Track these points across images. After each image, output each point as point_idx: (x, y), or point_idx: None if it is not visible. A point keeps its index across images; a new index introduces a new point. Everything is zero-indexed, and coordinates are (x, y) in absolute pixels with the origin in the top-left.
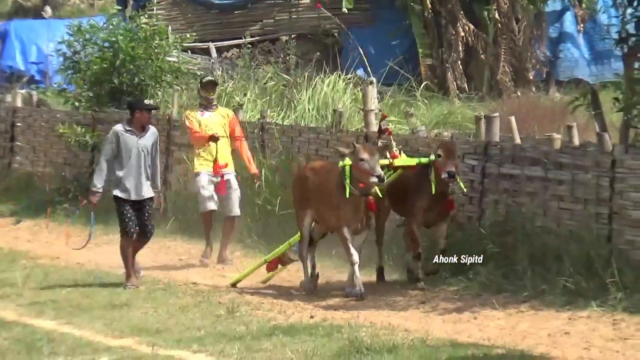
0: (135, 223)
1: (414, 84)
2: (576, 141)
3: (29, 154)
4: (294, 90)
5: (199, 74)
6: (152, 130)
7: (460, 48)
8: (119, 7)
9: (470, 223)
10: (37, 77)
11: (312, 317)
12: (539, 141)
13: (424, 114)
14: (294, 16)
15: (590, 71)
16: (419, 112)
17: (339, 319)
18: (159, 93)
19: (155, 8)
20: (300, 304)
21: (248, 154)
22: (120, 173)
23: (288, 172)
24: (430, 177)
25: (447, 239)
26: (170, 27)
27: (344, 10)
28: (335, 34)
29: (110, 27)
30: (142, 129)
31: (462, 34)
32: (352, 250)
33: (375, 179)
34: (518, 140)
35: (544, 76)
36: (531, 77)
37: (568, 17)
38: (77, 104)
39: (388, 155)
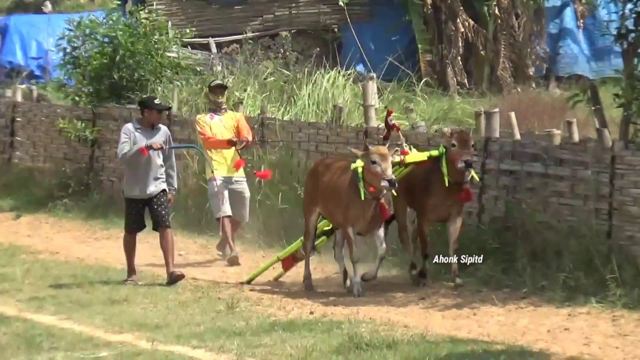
0: (138, 220)
1: (414, 80)
2: (576, 137)
3: (29, 149)
4: (294, 86)
5: (198, 69)
6: (164, 129)
7: (460, 44)
8: (119, 2)
9: (470, 219)
10: (37, 72)
11: (311, 313)
12: (538, 137)
13: (423, 109)
14: (294, 12)
15: (590, 67)
16: (418, 108)
17: (338, 314)
18: (159, 88)
19: (155, 3)
20: (300, 299)
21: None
22: (131, 171)
23: (287, 168)
24: (442, 169)
25: (459, 240)
26: (170, 23)
27: (341, 4)
28: (335, 30)
29: (110, 22)
30: (152, 128)
31: (462, 29)
32: (354, 248)
33: (386, 183)
34: (518, 136)
35: (544, 72)
36: (531, 73)
37: (568, 13)
38: (77, 99)
39: (399, 153)
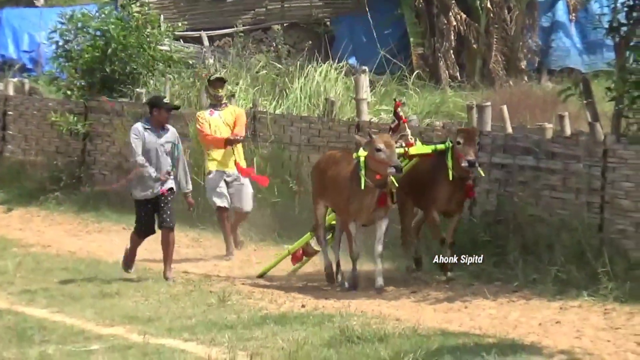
0: (148, 226)
1: (406, 73)
2: (568, 131)
3: (20, 143)
4: (286, 79)
5: (191, 62)
6: (172, 130)
7: (452, 37)
8: None
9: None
10: (29, 66)
11: (303, 306)
12: (530, 130)
13: (416, 103)
14: (286, 5)
15: (582, 60)
16: (410, 101)
17: (330, 308)
18: (151, 82)
19: None
20: (292, 293)
21: (238, 156)
22: (139, 173)
23: (279, 161)
24: (447, 163)
25: (455, 232)
26: (162, 16)
27: None
28: (327, 23)
29: (102, 15)
30: (161, 128)
31: (454, 23)
32: (354, 245)
33: (392, 170)
34: (510, 130)
35: (536, 65)
36: (523, 67)
37: (560, 6)
38: (69, 92)
39: (403, 144)
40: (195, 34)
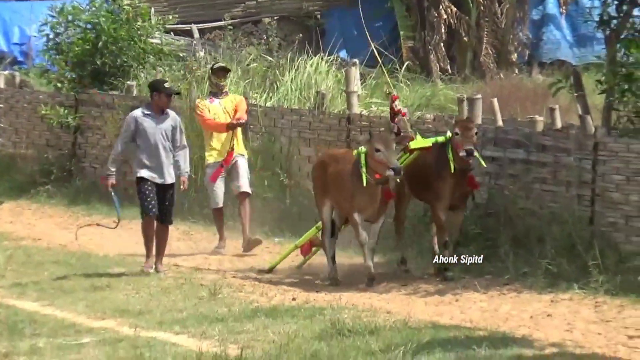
0: (156, 203)
1: (397, 66)
2: (558, 123)
3: (11, 136)
4: (277, 72)
5: (181, 55)
6: (173, 114)
7: (443, 30)
8: None
9: None
10: (20, 59)
11: (294, 299)
12: (521, 123)
13: (406, 95)
14: None
15: (572, 53)
16: (401, 94)
17: (321, 301)
18: (142, 74)
19: None
20: (283, 286)
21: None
22: (144, 157)
23: (270, 154)
24: (448, 155)
25: (461, 230)
26: (152, 9)
27: None
28: (318, 16)
29: (93, 8)
30: (161, 113)
31: (445, 16)
32: (361, 231)
33: (390, 172)
34: (500, 123)
35: (527, 58)
36: (514, 59)
37: None
38: (59, 85)
39: (402, 149)
40: (185, 26)
